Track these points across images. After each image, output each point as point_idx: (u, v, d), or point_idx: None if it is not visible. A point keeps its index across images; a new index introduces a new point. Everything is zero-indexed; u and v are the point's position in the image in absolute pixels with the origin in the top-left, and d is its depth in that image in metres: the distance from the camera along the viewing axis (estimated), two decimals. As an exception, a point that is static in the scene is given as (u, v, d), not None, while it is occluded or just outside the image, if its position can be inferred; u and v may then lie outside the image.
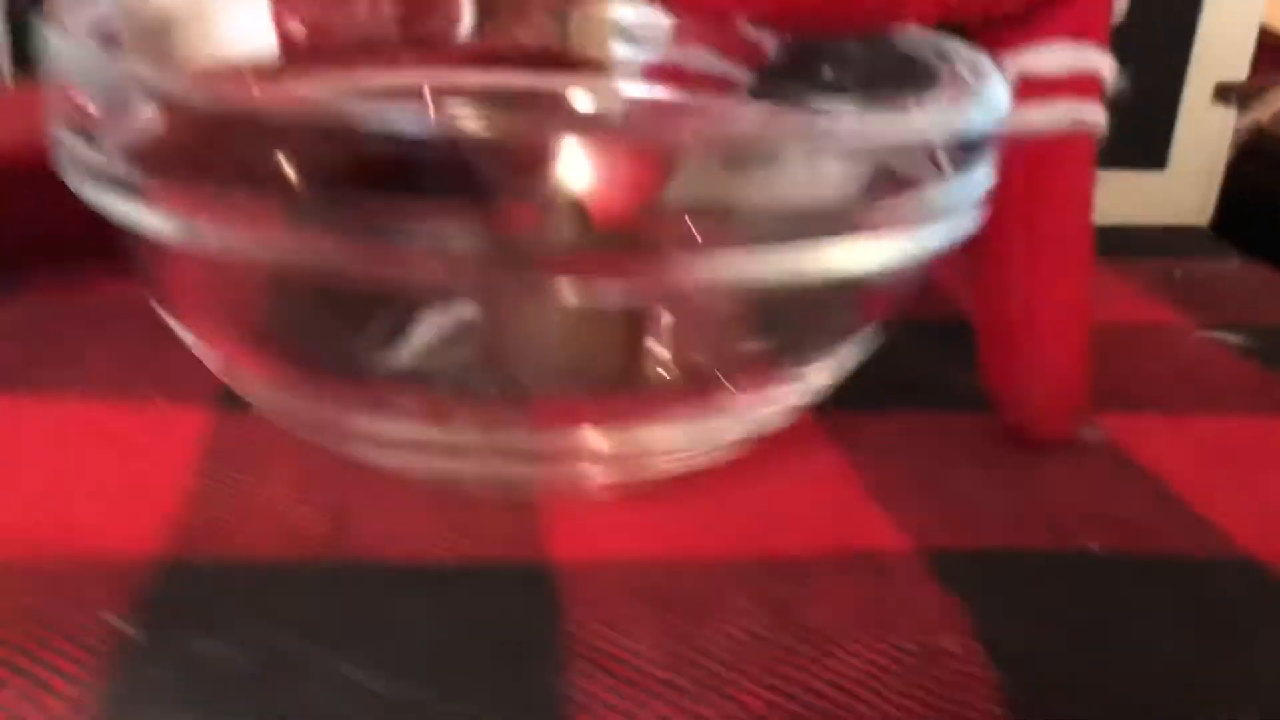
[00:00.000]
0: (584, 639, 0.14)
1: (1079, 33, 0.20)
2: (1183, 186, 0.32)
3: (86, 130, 0.15)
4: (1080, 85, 0.19)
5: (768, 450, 0.18)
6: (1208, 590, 0.15)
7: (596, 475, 0.17)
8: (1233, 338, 0.25)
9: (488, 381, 0.18)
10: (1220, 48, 0.31)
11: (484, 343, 0.19)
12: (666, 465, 0.17)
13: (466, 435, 0.16)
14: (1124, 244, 0.29)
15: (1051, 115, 0.19)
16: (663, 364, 0.19)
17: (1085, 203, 0.19)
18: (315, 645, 0.14)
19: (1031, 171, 0.19)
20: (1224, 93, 0.31)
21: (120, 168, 0.15)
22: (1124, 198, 0.32)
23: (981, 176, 0.16)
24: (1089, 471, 0.18)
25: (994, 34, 0.20)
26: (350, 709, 0.13)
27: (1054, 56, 0.20)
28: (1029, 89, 0.20)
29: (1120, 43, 0.20)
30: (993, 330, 0.19)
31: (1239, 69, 0.31)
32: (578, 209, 0.18)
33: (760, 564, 0.15)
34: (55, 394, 0.19)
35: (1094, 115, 0.19)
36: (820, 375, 0.18)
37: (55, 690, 0.13)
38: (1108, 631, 0.14)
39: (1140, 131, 0.32)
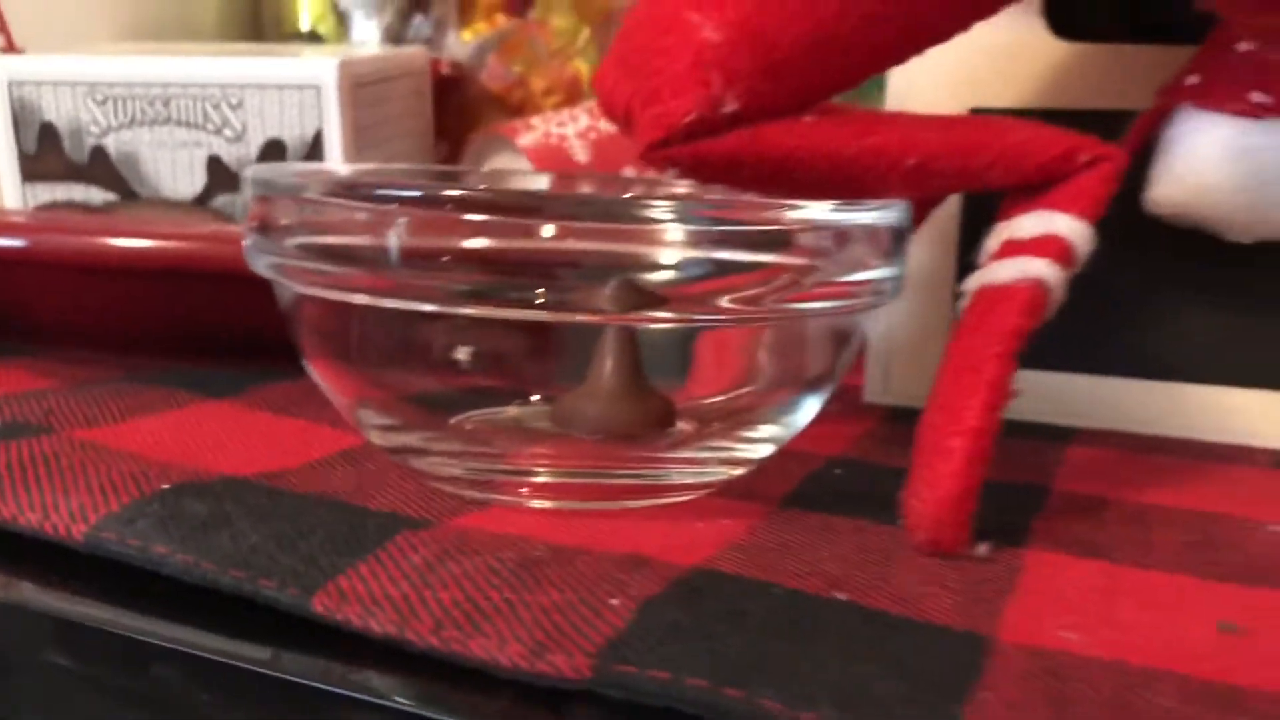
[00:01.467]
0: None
1: (1058, 205, 0.24)
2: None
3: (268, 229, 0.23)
4: (1040, 246, 0.23)
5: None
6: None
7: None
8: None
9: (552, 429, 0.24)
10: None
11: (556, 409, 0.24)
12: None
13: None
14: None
15: (1010, 270, 0.23)
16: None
17: (1010, 343, 0.22)
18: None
19: (972, 308, 0.23)
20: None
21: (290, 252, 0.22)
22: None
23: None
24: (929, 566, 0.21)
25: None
26: None
27: (1030, 223, 0.24)
28: (1004, 250, 0.24)
29: None
30: (915, 447, 0.22)
31: None
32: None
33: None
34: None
35: (1041, 271, 0.22)
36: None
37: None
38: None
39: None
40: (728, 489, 0.25)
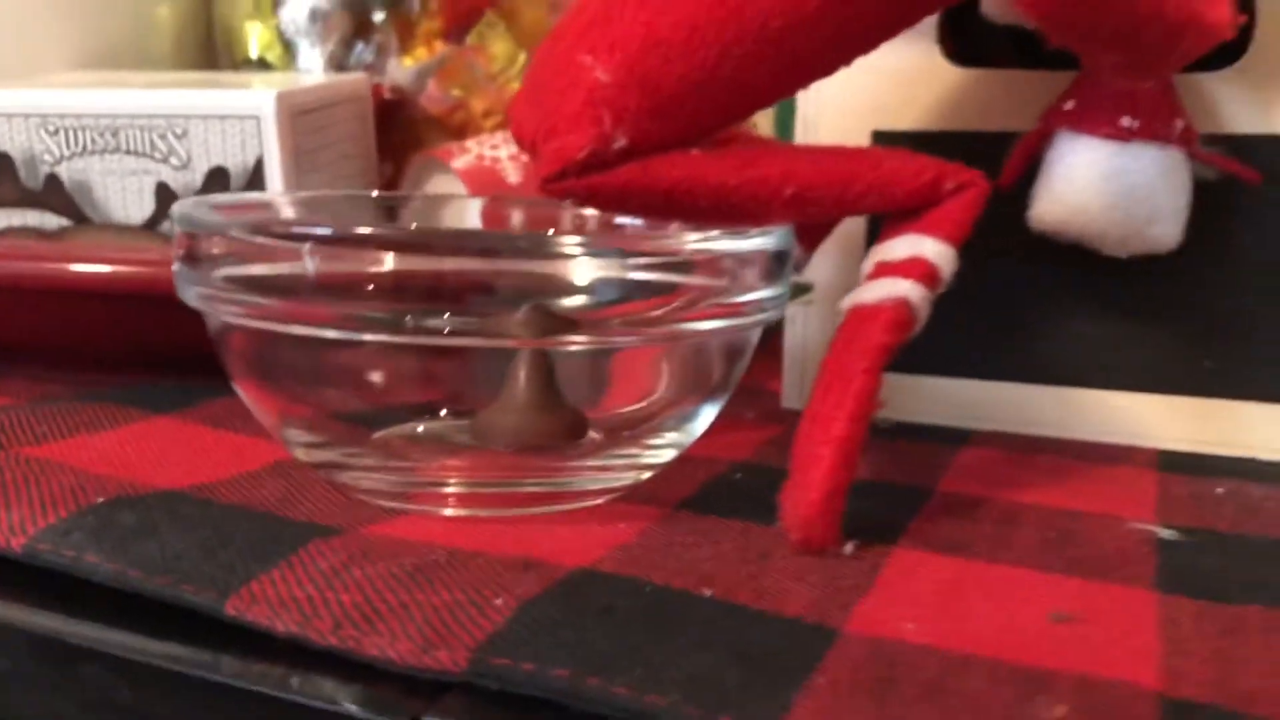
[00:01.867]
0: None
1: (925, 229, 0.25)
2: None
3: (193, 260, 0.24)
4: (907, 268, 0.25)
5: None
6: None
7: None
8: (1165, 532, 0.25)
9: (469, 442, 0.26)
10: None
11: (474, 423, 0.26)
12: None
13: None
14: (1242, 471, 0.30)
15: (879, 290, 0.25)
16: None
17: (876, 358, 0.24)
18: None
19: (844, 326, 0.25)
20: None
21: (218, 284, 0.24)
22: (1256, 434, 0.31)
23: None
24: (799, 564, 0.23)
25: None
26: None
27: (900, 246, 0.25)
28: (876, 271, 0.26)
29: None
30: (792, 454, 0.24)
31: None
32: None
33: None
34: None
35: (907, 291, 0.24)
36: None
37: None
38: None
39: (1270, 364, 0.31)
40: (632, 494, 0.27)
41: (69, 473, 0.26)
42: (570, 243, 0.26)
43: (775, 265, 0.25)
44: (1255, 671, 0.19)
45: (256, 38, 0.43)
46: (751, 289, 0.25)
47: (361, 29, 0.42)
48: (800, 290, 0.35)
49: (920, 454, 0.31)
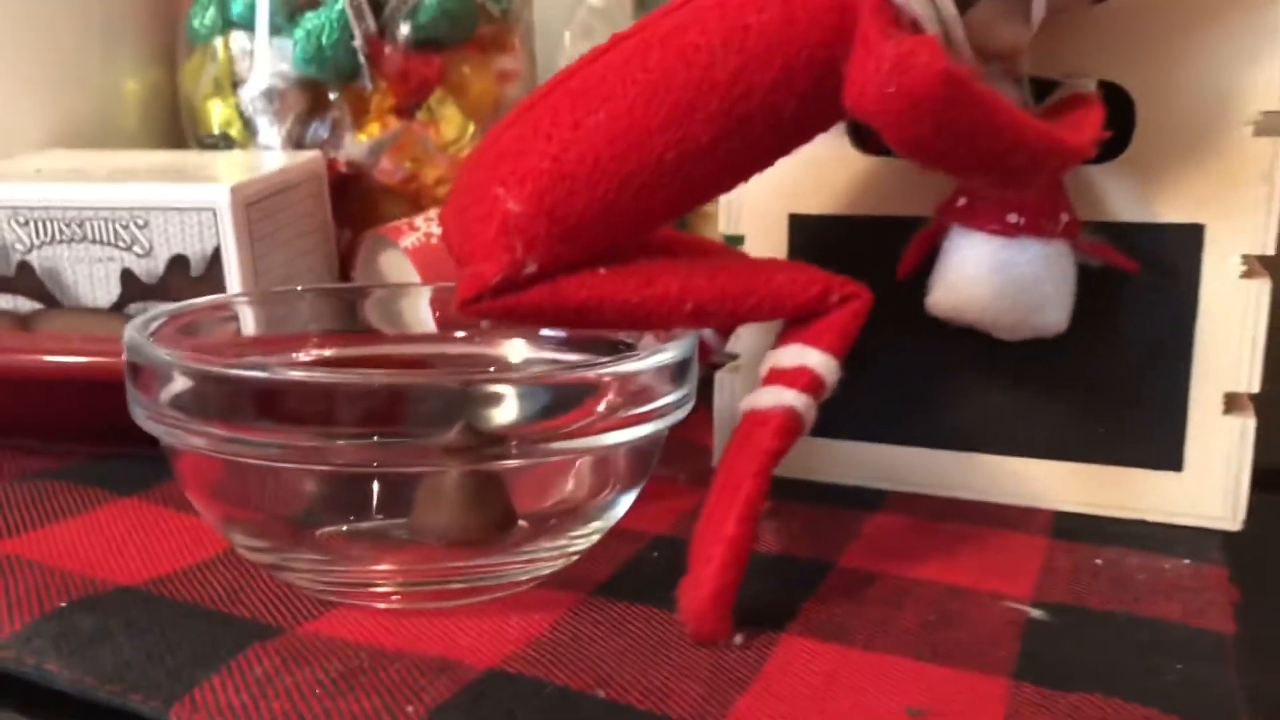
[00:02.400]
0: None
1: (811, 340, 0.28)
2: (1200, 489, 0.33)
3: (142, 388, 0.27)
4: (794, 378, 0.27)
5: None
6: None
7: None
8: (1035, 612, 0.28)
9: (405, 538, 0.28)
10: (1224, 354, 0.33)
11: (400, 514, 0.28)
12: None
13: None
14: (1126, 535, 0.33)
15: (769, 397, 0.27)
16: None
17: (764, 462, 0.26)
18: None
19: (739, 429, 0.27)
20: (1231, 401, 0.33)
21: (163, 411, 0.26)
22: (1141, 497, 0.34)
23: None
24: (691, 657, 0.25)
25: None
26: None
27: (789, 355, 0.28)
28: (768, 377, 0.28)
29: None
30: (690, 550, 0.27)
31: (1249, 378, 0.32)
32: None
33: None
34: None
35: (793, 400, 0.27)
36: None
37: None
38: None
39: (1154, 433, 0.34)
40: (555, 576, 0.29)
41: (37, 570, 0.28)
42: (495, 377, 0.28)
43: (679, 372, 0.28)
44: (1078, 764, 0.21)
45: (218, 115, 0.45)
46: (660, 396, 0.27)
47: (317, 106, 0.44)
48: (729, 358, 0.38)
49: (834, 520, 0.34)
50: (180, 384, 0.27)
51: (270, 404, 0.26)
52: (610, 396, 0.27)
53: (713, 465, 0.38)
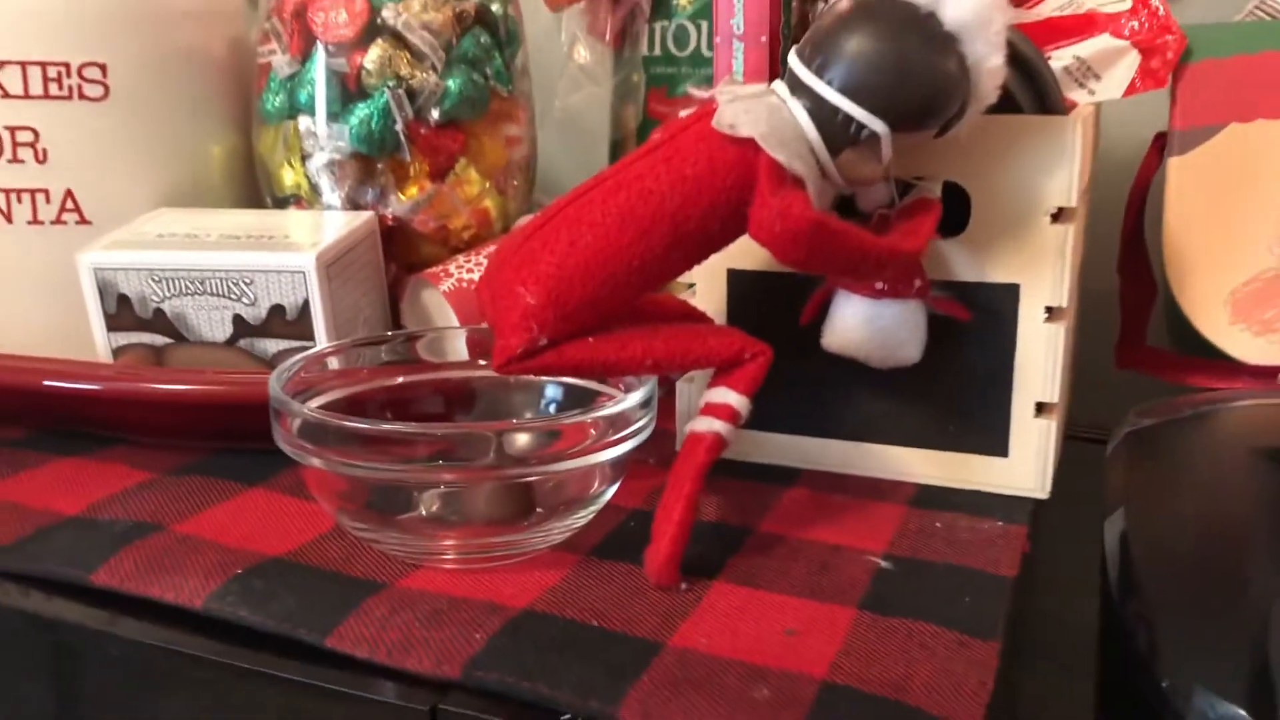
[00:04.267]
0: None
1: (732, 385, 0.41)
2: (1020, 469, 0.47)
3: (281, 416, 0.40)
4: (720, 411, 0.40)
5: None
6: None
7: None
8: (885, 563, 0.41)
9: (454, 519, 0.42)
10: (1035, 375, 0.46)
11: (456, 505, 0.42)
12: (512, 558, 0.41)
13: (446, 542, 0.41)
14: (965, 503, 0.46)
15: (704, 424, 0.41)
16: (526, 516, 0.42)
17: (700, 470, 0.40)
18: None
19: (684, 445, 0.41)
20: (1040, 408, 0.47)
21: (294, 440, 0.40)
22: (979, 475, 0.48)
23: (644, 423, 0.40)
24: (653, 598, 0.39)
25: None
26: None
27: (717, 394, 0.41)
28: (704, 409, 0.41)
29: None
30: (652, 524, 0.40)
31: (1051, 391, 0.46)
32: (500, 442, 0.41)
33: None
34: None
35: (719, 427, 0.40)
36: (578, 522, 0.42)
37: None
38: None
39: (988, 430, 0.47)
40: (562, 543, 0.43)
41: (211, 549, 0.42)
42: (521, 425, 0.42)
43: (644, 406, 0.41)
44: (890, 661, 0.35)
45: (289, 179, 0.58)
46: (633, 422, 0.41)
47: (368, 174, 0.57)
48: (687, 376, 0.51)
49: (757, 494, 0.47)
50: (304, 423, 0.40)
51: (365, 441, 0.39)
52: (596, 429, 0.40)
53: (675, 449, 0.51)
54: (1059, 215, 0.45)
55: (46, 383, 0.49)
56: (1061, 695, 0.41)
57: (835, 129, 0.40)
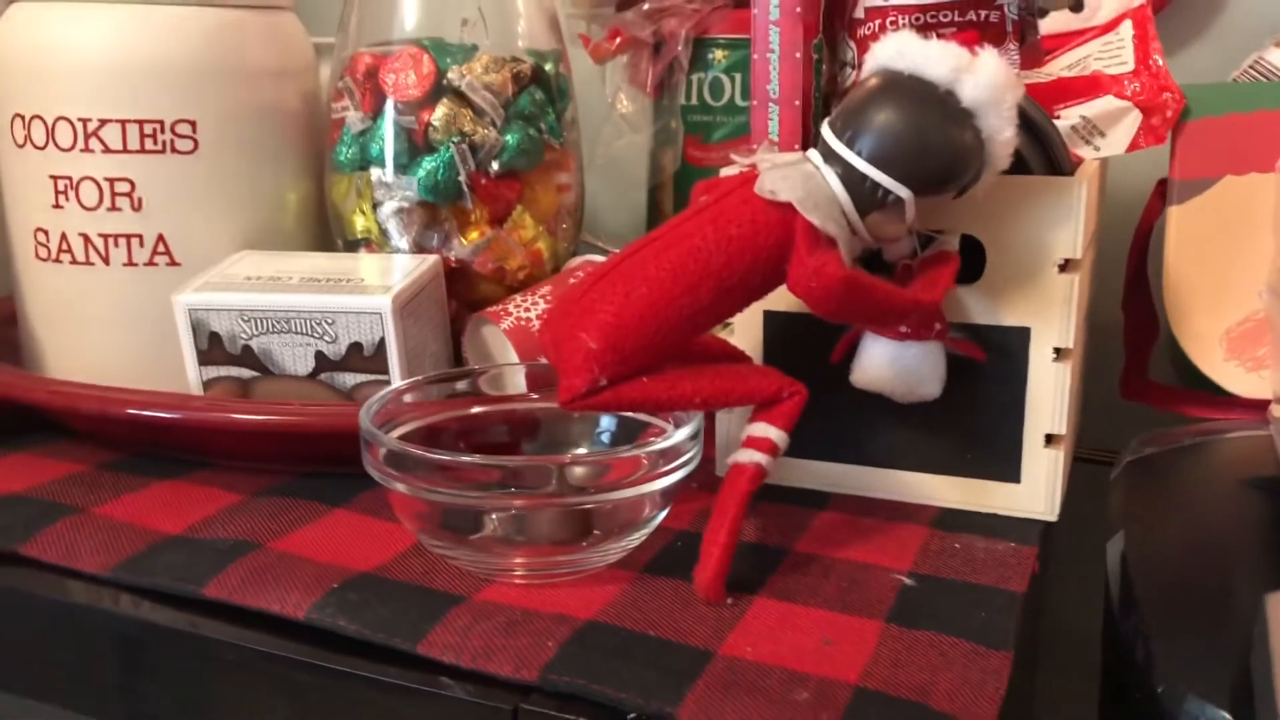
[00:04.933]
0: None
1: (771, 420, 0.46)
2: (1031, 494, 0.52)
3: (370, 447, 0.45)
4: (761, 444, 0.45)
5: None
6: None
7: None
8: (909, 580, 0.46)
9: (521, 539, 0.47)
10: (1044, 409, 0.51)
11: (520, 526, 0.47)
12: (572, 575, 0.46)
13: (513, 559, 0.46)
14: (981, 525, 0.51)
15: (746, 456, 0.45)
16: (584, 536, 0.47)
17: (743, 498, 0.44)
18: None
19: (728, 475, 0.45)
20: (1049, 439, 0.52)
21: (382, 473, 0.45)
22: (994, 499, 0.53)
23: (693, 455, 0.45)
24: (702, 611, 0.44)
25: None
26: None
27: (758, 429, 0.46)
28: (746, 442, 0.46)
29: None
30: (702, 544, 0.45)
31: (1059, 424, 0.51)
32: (562, 473, 0.46)
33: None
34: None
35: (760, 459, 0.45)
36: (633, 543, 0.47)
37: None
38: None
39: (1002, 458, 0.52)
40: (618, 562, 0.48)
41: (307, 565, 0.47)
42: (581, 459, 0.47)
43: (691, 439, 0.46)
44: (915, 669, 0.40)
45: (360, 224, 0.63)
46: (683, 454, 0.46)
47: (433, 220, 0.62)
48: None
49: (792, 516, 0.52)
50: (390, 452, 0.45)
51: (444, 469, 0.44)
52: (649, 461, 0.45)
53: (716, 474, 0.56)
54: (1066, 265, 0.50)
55: (162, 414, 0.55)
56: (1069, 699, 0.45)
57: (864, 194, 0.45)
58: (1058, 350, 0.50)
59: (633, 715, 0.38)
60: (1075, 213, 0.49)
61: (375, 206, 0.62)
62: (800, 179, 0.45)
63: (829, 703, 0.38)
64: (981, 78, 0.44)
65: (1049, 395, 0.51)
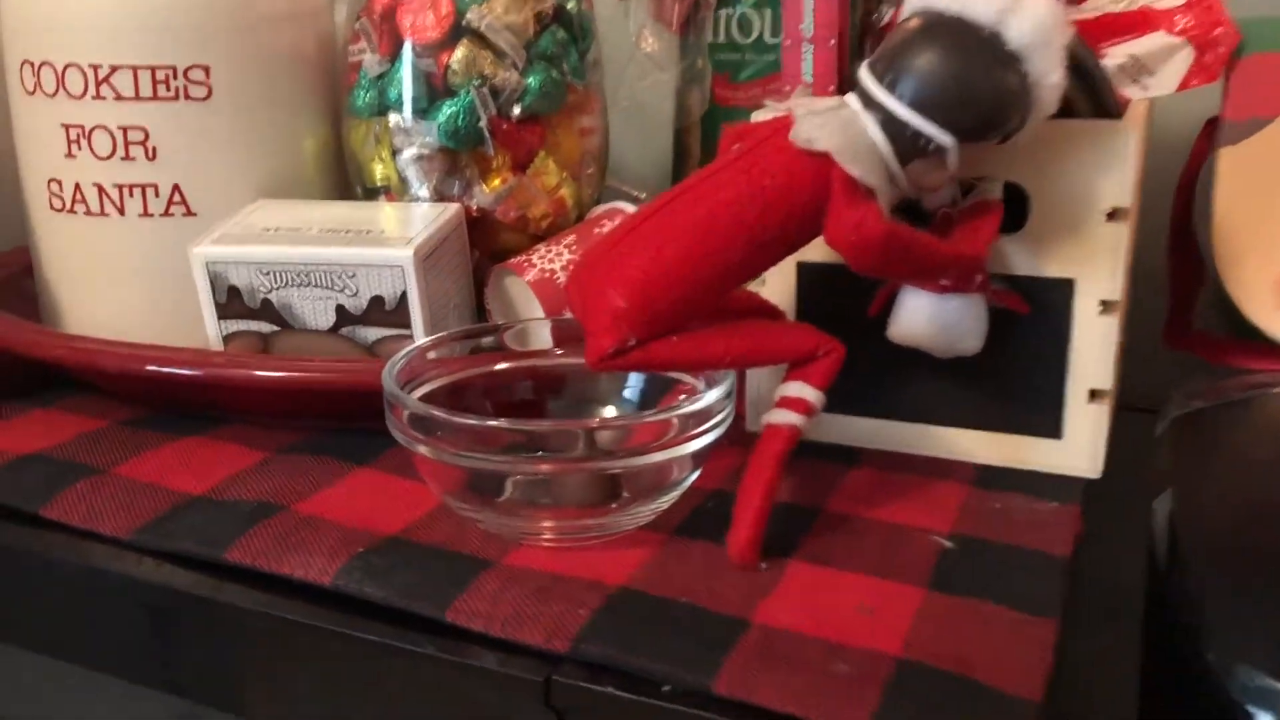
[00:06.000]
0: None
1: (806, 379, 0.44)
2: (1074, 451, 0.50)
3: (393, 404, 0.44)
4: (796, 405, 0.44)
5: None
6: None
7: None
8: (948, 543, 0.45)
9: (548, 502, 0.46)
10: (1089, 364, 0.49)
11: (546, 489, 0.46)
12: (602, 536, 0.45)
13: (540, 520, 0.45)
14: (1021, 483, 0.49)
15: (781, 416, 0.44)
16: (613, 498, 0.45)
17: (778, 460, 0.43)
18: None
19: (762, 436, 0.44)
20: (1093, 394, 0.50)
21: (406, 435, 0.44)
22: (1034, 456, 0.51)
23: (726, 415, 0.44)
24: (736, 576, 0.43)
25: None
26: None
27: (793, 388, 0.45)
28: (780, 402, 0.45)
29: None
30: (734, 508, 0.44)
31: (1105, 379, 0.49)
32: (591, 436, 0.45)
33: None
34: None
35: (795, 420, 0.44)
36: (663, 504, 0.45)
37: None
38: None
39: (1043, 413, 0.51)
40: (649, 524, 0.46)
41: (332, 528, 0.46)
42: (609, 422, 0.46)
43: (723, 399, 0.45)
44: (958, 638, 0.39)
45: (379, 172, 0.62)
46: (713, 416, 0.44)
47: (454, 167, 0.60)
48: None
49: (824, 474, 0.51)
50: (414, 415, 0.44)
51: (469, 431, 0.43)
52: (679, 423, 0.44)
53: (746, 429, 0.55)
54: (1114, 214, 0.48)
55: (183, 371, 0.53)
56: (1105, 662, 0.44)
57: (905, 141, 0.43)
58: (1104, 303, 0.49)
59: (667, 688, 0.37)
60: (1125, 159, 0.47)
61: (394, 153, 0.61)
62: (838, 126, 0.43)
63: (870, 676, 0.37)
64: (1029, 18, 0.42)
65: (1094, 349, 0.49)
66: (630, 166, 0.75)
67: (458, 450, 0.43)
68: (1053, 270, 0.49)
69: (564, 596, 0.41)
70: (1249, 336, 0.56)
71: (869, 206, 0.42)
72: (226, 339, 0.57)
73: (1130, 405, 0.59)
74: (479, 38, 0.59)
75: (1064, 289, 0.49)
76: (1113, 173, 0.47)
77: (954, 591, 0.42)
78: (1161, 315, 0.60)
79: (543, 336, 0.53)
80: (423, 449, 0.44)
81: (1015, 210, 0.49)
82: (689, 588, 0.42)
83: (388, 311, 0.55)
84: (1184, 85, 0.55)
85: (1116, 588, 0.47)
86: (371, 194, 0.63)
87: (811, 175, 0.43)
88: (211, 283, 0.56)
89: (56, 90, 0.59)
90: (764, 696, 0.36)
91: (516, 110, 0.59)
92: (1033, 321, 0.50)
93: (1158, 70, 0.55)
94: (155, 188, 0.60)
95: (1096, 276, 0.48)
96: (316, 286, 0.55)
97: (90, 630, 0.48)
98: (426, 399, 0.49)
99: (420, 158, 0.60)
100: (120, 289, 0.61)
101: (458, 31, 0.59)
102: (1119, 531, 0.49)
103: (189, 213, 0.60)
